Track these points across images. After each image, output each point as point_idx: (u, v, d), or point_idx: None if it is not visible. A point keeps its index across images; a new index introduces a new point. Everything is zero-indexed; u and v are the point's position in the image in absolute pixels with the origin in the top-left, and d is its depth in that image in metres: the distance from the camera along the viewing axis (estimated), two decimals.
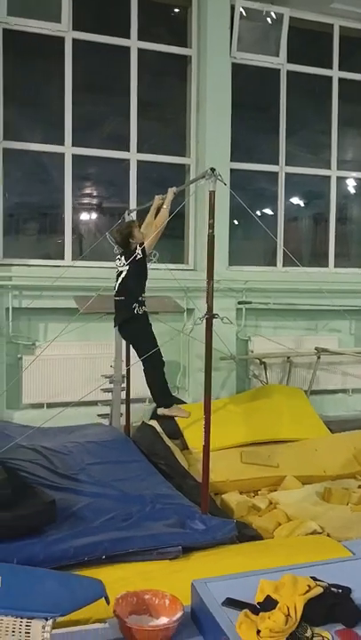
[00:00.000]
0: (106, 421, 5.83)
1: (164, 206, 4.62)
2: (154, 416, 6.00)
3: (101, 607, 2.38)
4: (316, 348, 6.83)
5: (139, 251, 4.61)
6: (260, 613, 2.04)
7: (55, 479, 4.02)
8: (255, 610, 2.09)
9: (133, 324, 4.84)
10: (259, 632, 1.95)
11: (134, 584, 2.62)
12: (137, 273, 4.74)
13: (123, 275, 4.83)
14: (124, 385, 5.65)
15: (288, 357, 6.80)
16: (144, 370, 4.97)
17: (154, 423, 5.55)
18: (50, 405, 6.07)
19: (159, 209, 4.81)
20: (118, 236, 4.85)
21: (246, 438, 5.54)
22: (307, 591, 2.09)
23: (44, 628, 1.81)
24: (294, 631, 1.96)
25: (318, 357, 6.82)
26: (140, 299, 4.76)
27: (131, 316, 4.78)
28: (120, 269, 4.87)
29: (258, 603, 2.11)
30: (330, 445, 5.70)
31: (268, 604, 2.06)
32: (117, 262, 4.92)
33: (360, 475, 5.38)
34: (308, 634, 1.97)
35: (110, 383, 5.58)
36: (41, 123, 6.48)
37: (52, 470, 4.21)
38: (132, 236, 4.75)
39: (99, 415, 5.87)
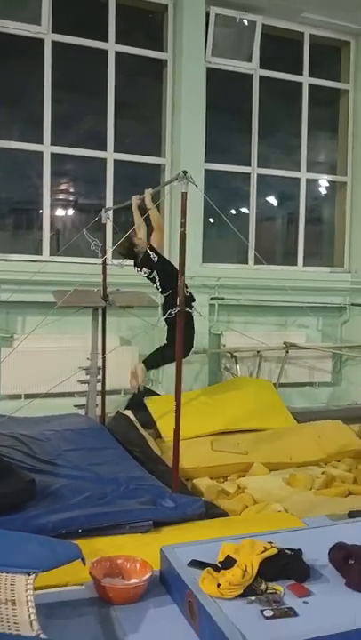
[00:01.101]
0: (82, 412, 6.02)
1: (149, 207, 4.86)
2: (129, 406, 6.24)
3: (76, 573, 2.61)
4: (284, 343, 7.12)
5: (152, 254, 4.93)
6: (221, 571, 2.29)
7: (34, 463, 4.23)
8: (217, 569, 2.34)
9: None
10: (219, 586, 2.20)
11: (108, 554, 2.85)
12: (165, 272, 5.00)
13: (157, 279, 5.10)
14: (100, 377, 5.85)
15: (258, 351, 7.07)
16: (163, 345, 5.28)
17: (128, 413, 5.77)
18: (27, 396, 6.22)
19: (139, 208, 5.06)
20: (123, 251, 5.17)
21: (217, 427, 5.76)
22: (263, 551, 2.35)
23: (27, 582, 2.03)
24: (250, 584, 2.22)
25: (287, 352, 7.11)
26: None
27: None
28: (150, 276, 5.16)
29: (219, 562, 2.36)
30: (296, 435, 5.97)
31: (228, 563, 2.31)
32: (141, 273, 5.20)
33: (324, 462, 5.66)
34: (263, 587, 2.23)
35: (87, 375, 5.77)
36: (19, 121, 6.64)
37: (30, 455, 4.41)
38: (135, 245, 5.05)
39: (75, 406, 6.05)
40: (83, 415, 5.92)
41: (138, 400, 6.28)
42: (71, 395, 6.01)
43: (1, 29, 6.14)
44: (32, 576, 2.06)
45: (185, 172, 3.58)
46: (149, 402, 6.16)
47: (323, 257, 8.09)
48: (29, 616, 1.87)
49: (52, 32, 6.35)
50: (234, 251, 7.55)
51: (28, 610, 1.89)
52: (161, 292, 5.17)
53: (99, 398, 5.88)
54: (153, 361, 5.43)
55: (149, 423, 5.83)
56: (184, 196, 3.57)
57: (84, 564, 2.38)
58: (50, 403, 5.65)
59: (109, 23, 6.59)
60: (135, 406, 6.17)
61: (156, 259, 4.94)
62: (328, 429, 6.10)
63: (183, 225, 3.60)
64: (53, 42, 6.37)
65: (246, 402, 6.25)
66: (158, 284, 5.10)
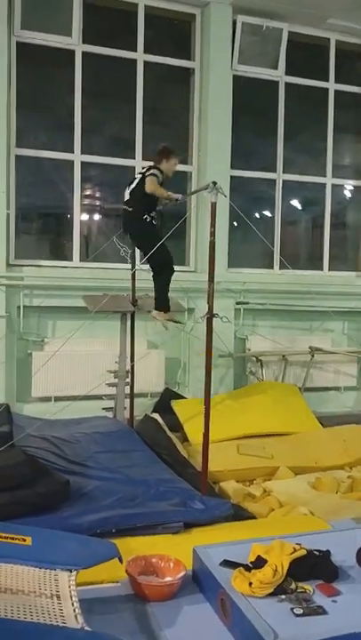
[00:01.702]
0: (110, 414, 6.15)
1: (167, 194, 4.90)
2: (156, 409, 6.36)
3: (112, 570, 2.73)
4: (310, 347, 7.17)
5: (156, 173, 4.87)
6: (252, 570, 2.39)
7: (66, 465, 4.36)
8: (248, 568, 2.43)
9: (141, 228, 5.03)
10: (250, 584, 2.30)
11: (142, 553, 2.96)
12: (149, 235, 4.98)
13: (132, 185, 5.04)
14: (128, 380, 5.97)
15: (283, 356, 7.13)
16: (153, 276, 5.23)
17: (156, 416, 5.88)
18: (57, 399, 6.40)
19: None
20: (157, 151, 5.16)
21: (243, 431, 5.84)
22: (292, 552, 2.44)
23: (69, 578, 2.15)
24: (281, 584, 2.31)
25: (312, 356, 7.16)
26: (152, 213, 4.92)
27: (140, 223, 4.96)
28: (132, 181, 5.10)
29: (250, 562, 2.46)
30: (322, 439, 6.03)
31: (259, 563, 2.41)
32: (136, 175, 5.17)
33: (349, 466, 5.70)
34: (293, 586, 2.32)
35: (115, 378, 5.89)
36: (50, 129, 6.81)
37: (62, 457, 4.54)
38: (159, 163, 5.01)
39: (103, 409, 6.18)
40: (111, 418, 6.05)
41: (165, 403, 6.40)
42: (99, 397, 6.14)
43: (33, 41, 6.30)
44: (74, 573, 2.18)
45: (215, 183, 3.68)
46: (176, 405, 6.27)
47: (348, 261, 8.11)
48: (74, 610, 1.98)
49: (83, 43, 6.49)
50: (258, 255, 7.61)
51: (73, 604, 2.01)
52: (125, 204, 5.15)
53: (126, 401, 6.00)
54: (161, 297, 5.30)
55: (176, 426, 5.93)
56: (214, 206, 3.67)
57: (121, 562, 2.49)
58: (78, 404, 5.77)
59: (138, 33, 6.73)
60: (162, 409, 6.28)
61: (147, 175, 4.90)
62: (354, 433, 6.14)
63: (213, 234, 3.70)
64: (83, 52, 6.52)
65: (272, 406, 6.32)
66: (129, 191, 5.07)
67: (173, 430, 5.82)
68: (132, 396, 5.98)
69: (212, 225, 3.71)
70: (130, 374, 5.91)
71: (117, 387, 5.90)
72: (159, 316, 5.34)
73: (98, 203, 7.33)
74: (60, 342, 5.97)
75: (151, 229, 4.98)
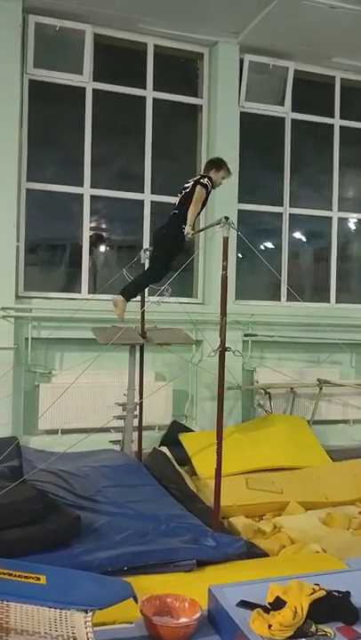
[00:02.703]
0: (117, 447, 6.10)
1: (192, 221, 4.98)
2: (163, 442, 6.31)
3: (125, 611, 2.66)
4: (318, 380, 7.13)
5: (206, 182, 5.04)
6: (271, 612, 2.33)
7: (75, 499, 4.31)
8: (266, 609, 2.37)
9: (171, 237, 5.12)
10: (270, 627, 2.24)
11: (155, 592, 2.90)
12: (171, 242, 5.12)
13: (184, 191, 5.19)
14: (136, 412, 5.94)
15: (292, 388, 7.10)
16: (145, 270, 5.32)
17: (165, 449, 5.83)
18: (64, 431, 6.36)
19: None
20: (209, 161, 5.43)
21: (252, 465, 5.77)
22: (312, 593, 2.38)
23: (85, 619, 2.10)
24: (301, 626, 2.25)
25: (320, 389, 7.12)
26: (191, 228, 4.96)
27: (174, 231, 5.04)
28: (185, 186, 5.24)
29: (268, 603, 2.40)
30: (332, 473, 5.96)
31: (278, 604, 2.35)
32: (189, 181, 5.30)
33: (360, 502, 5.64)
34: (313, 629, 2.25)
35: (123, 411, 5.86)
36: (61, 164, 6.91)
37: (70, 491, 4.49)
38: (209, 172, 5.20)
39: (111, 441, 6.14)
40: (118, 451, 6.00)
41: (172, 436, 6.36)
42: (107, 430, 6.09)
43: (45, 79, 6.45)
44: (90, 613, 2.13)
45: (227, 218, 3.72)
46: (184, 438, 6.22)
47: (354, 293, 8.13)
48: None
49: (93, 80, 6.64)
50: (264, 286, 7.65)
51: None
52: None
53: (134, 434, 5.95)
54: (131, 289, 5.34)
55: (184, 460, 5.88)
56: (225, 240, 3.70)
57: (136, 602, 2.43)
58: (83, 437, 5.73)
59: (147, 71, 6.88)
60: (170, 442, 6.23)
61: (202, 183, 5.05)
62: None
63: (225, 268, 3.73)
64: (94, 89, 6.66)
65: (281, 439, 6.26)
66: (181, 195, 5.20)
67: (181, 464, 5.77)
68: (140, 429, 5.95)
69: (225, 259, 3.74)
70: (138, 407, 5.87)
71: (125, 419, 5.87)
72: (122, 303, 5.25)
73: (105, 234, 7.39)
74: (68, 374, 5.99)
75: (180, 239, 5.05)
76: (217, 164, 5.28)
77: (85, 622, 2.07)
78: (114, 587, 2.38)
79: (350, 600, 2.44)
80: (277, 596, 2.39)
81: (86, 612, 2.14)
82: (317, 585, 2.50)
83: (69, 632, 1.99)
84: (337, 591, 2.49)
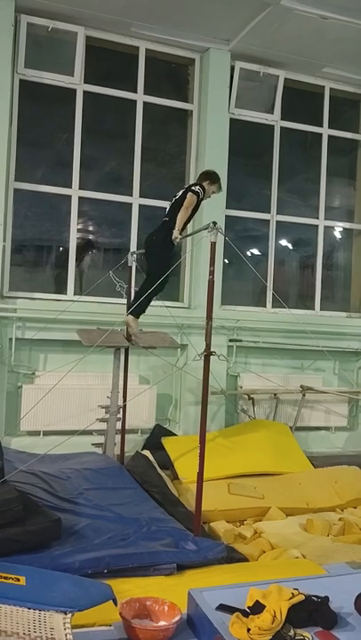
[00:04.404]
0: (99, 450, 6.08)
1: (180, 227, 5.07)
2: (146, 446, 6.30)
3: (104, 614, 2.66)
4: (301, 386, 7.17)
5: (198, 190, 5.10)
6: (250, 616, 2.33)
7: (56, 501, 4.28)
8: (245, 613, 2.38)
9: (161, 242, 5.18)
10: (249, 630, 2.24)
11: (135, 595, 2.89)
12: (160, 254, 5.20)
13: (176, 197, 5.26)
14: (120, 415, 5.92)
15: (275, 394, 7.13)
16: (143, 282, 5.34)
17: (147, 453, 5.82)
18: (46, 433, 6.32)
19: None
20: (203, 173, 5.46)
21: (234, 470, 5.79)
22: (291, 598, 2.39)
23: (64, 620, 2.09)
24: (279, 631, 2.26)
25: (303, 395, 7.16)
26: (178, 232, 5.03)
27: (164, 237, 5.11)
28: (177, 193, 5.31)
29: (248, 607, 2.40)
30: (313, 479, 5.99)
31: (257, 608, 2.35)
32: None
33: (340, 508, 5.66)
34: (292, 633, 2.26)
35: (106, 413, 5.85)
36: (50, 164, 6.89)
37: (52, 493, 4.46)
38: (203, 182, 5.25)
39: (93, 444, 6.12)
40: (101, 454, 5.98)
41: (155, 440, 6.35)
42: (89, 433, 6.07)
43: (36, 79, 6.43)
44: (69, 615, 2.12)
45: (215, 223, 3.73)
46: (166, 442, 6.22)
47: (338, 302, 8.19)
48: None
49: (84, 82, 6.64)
50: (249, 292, 7.69)
51: None
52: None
53: (116, 437, 5.94)
54: (138, 307, 5.36)
55: (166, 463, 5.87)
56: (213, 245, 3.72)
57: (116, 604, 2.43)
58: (65, 439, 5.71)
59: (138, 75, 6.90)
60: (152, 446, 6.23)
61: (193, 192, 5.11)
62: (345, 475, 6.11)
63: (212, 273, 3.74)
64: (85, 91, 6.66)
65: (263, 445, 6.28)
66: (171, 202, 5.28)
67: (163, 468, 5.76)
68: (123, 432, 5.93)
69: (212, 264, 3.75)
70: (122, 410, 5.86)
71: (109, 422, 5.85)
72: (133, 322, 5.38)
73: (91, 237, 7.38)
74: (51, 376, 5.97)
75: (169, 244, 5.10)
76: (212, 176, 5.35)
77: (64, 623, 2.07)
78: (94, 589, 2.37)
79: (329, 605, 2.45)
80: (257, 600, 2.39)
81: (65, 614, 2.14)
82: (296, 590, 2.51)
83: (48, 633, 1.99)
84: (316, 596, 2.50)
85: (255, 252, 7.78)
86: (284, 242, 7.97)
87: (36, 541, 3.31)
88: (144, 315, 5.72)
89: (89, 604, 2.23)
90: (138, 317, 5.41)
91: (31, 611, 2.10)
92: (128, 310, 5.52)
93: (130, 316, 5.38)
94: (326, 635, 2.30)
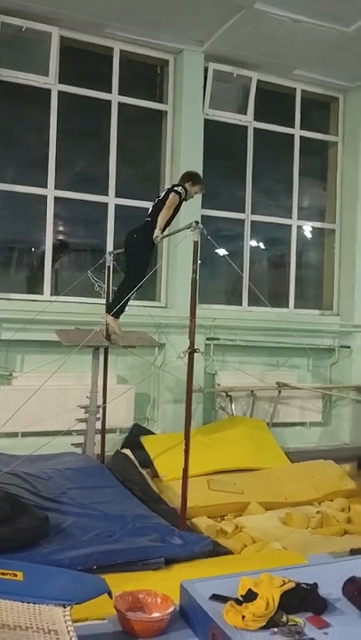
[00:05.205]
0: (79, 450, 6.08)
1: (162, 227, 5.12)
2: (125, 444, 6.33)
3: (98, 608, 2.69)
4: (277, 383, 7.29)
5: (180, 191, 5.17)
6: (243, 604, 2.40)
7: (39, 501, 4.29)
8: (238, 602, 2.44)
9: (141, 241, 5.22)
10: (243, 618, 2.31)
11: (125, 589, 2.93)
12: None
13: (158, 199, 5.30)
14: (99, 415, 5.93)
15: (252, 391, 7.23)
16: (122, 281, 5.40)
17: (127, 452, 5.86)
18: (24, 434, 6.29)
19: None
20: (186, 173, 5.50)
21: (214, 467, 5.88)
22: (282, 585, 2.46)
23: (64, 613, 2.12)
24: (273, 617, 2.32)
25: (279, 392, 7.29)
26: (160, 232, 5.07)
27: (145, 236, 5.14)
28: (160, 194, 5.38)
29: (240, 596, 2.46)
30: (291, 474, 6.12)
31: (250, 596, 2.41)
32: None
33: (318, 502, 5.80)
34: (284, 619, 2.33)
35: (85, 413, 5.86)
36: (24, 163, 6.85)
37: (35, 493, 4.46)
38: (185, 183, 5.31)
39: (73, 444, 6.11)
40: (80, 454, 5.98)
41: (134, 438, 6.39)
42: (69, 433, 6.06)
43: (10, 79, 6.40)
44: (68, 608, 2.15)
45: (197, 223, 3.79)
46: (146, 441, 6.27)
47: (311, 300, 8.33)
48: None
49: (59, 82, 6.63)
50: (222, 292, 7.78)
51: (71, 639, 1.99)
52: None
53: (96, 437, 5.95)
54: (117, 306, 5.40)
55: (146, 462, 5.92)
56: (196, 245, 3.78)
57: (111, 597, 2.46)
58: (46, 439, 5.70)
59: (113, 75, 6.92)
60: (131, 445, 6.26)
61: (174, 192, 5.18)
62: (321, 469, 6.26)
63: (195, 272, 3.80)
64: (60, 91, 6.65)
65: (241, 441, 6.39)
66: (154, 203, 5.34)
67: (143, 466, 5.82)
68: (103, 431, 5.95)
69: (195, 262, 3.81)
70: (102, 410, 5.88)
71: (88, 422, 5.86)
72: (114, 322, 5.42)
73: (66, 237, 7.36)
74: (29, 377, 5.96)
75: (150, 243, 5.16)
76: (194, 177, 5.42)
77: (65, 616, 2.09)
78: (89, 582, 2.41)
79: (318, 592, 2.53)
80: (249, 589, 2.45)
81: (64, 607, 2.16)
82: (287, 578, 2.59)
83: (50, 625, 2.02)
84: (305, 583, 2.58)
85: (229, 251, 7.85)
86: (258, 241, 8.08)
87: (25, 540, 3.32)
88: (123, 315, 5.75)
89: (86, 597, 2.26)
90: (118, 317, 5.43)
91: (32, 605, 2.12)
92: (106, 309, 5.53)
93: (110, 316, 5.39)
94: (317, 619, 2.38)
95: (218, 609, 2.44)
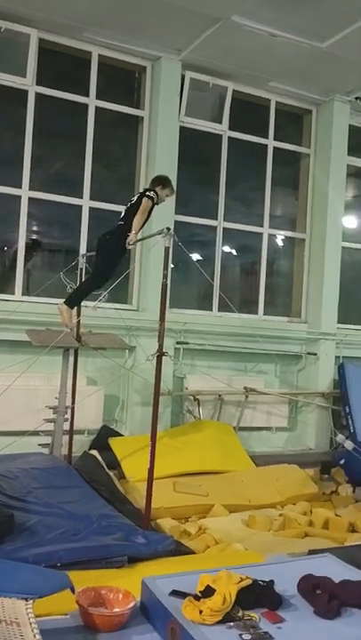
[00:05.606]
0: (46, 450, 6.09)
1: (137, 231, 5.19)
2: (92, 446, 6.37)
3: (59, 604, 2.75)
4: (244, 388, 7.41)
5: (152, 195, 5.26)
6: (201, 599, 2.48)
7: (5, 499, 4.31)
8: (197, 597, 2.52)
9: (113, 244, 5.28)
10: (201, 612, 2.39)
11: (89, 585, 2.99)
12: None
13: (131, 202, 5.39)
14: (67, 416, 5.96)
15: (219, 395, 7.34)
16: (87, 276, 5.53)
17: (95, 453, 5.90)
18: None
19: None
20: (155, 178, 5.59)
21: (180, 469, 5.95)
22: (239, 582, 2.56)
23: (26, 606, 2.18)
24: (229, 612, 2.42)
25: (246, 396, 7.41)
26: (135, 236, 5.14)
27: (117, 239, 5.20)
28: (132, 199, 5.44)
29: (199, 592, 2.55)
30: (255, 478, 6.23)
31: (208, 592, 2.50)
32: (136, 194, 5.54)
33: (281, 505, 5.91)
34: (240, 614, 2.42)
35: (54, 414, 5.88)
36: None
37: (0, 492, 4.48)
38: (156, 187, 5.38)
39: (40, 445, 6.12)
40: (47, 454, 6.00)
41: (102, 440, 6.43)
42: (36, 433, 6.08)
43: None
44: (30, 601, 2.21)
45: (168, 229, 3.88)
46: (113, 442, 6.32)
47: (280, 307, 8.49)
48: (34, 635, 2.02)
49: (36, 84, 6.66)
50: (193, 296, 7.88)
51: (32, 630, 2.04)
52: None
53: (64, 437, 5.97)
54: (74, 297, 5.50)
55: (113, 463, 5.97)
56: (167, 250, 3.87)
57: (73, 592, 2.52)
58: (11, 439, 5.72)
59: (91, 79, 6.98)
60: (99, 446, 6.30)
61: (146, 197, 5.25)
62: (285, 473, 6.38)
63: (165, 277, 3.89)
64: (37, 93, 6.68)
65: (207, 444, 6.47)
66: (126, 207, 5.43)
67: (110, 467, 5.86)
68: (71, 432, 5.98)
69: (165, 267, 3.90)
70: (70, 411, 5.91)
71: (56, 423, 5.88)
72: (66, 312, 5.43)
73: (38, 237, 7.37)
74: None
75: (122, 246, 5.20)
76: (163, 181, 5.50)
77: (27, 609, 2.15)
78: (52, 577, 2.47)
79: (274, 588, 2.64)
80: (207, 585, 2.54)
81: (27, 600, 2.22)
82: (244, 575, 2.68)
83: (12, 617, 2.07)
84: (262, 580, 2.68)
85: (201, 257, 7.97)
86: (229, 248, 8.21)
87: None
88: (94, 317, 5.81)
89: (48, 591, 2.32)
90: (71, 307, 5.46)
91: None
92: (65, 300, 5.55)
93: (64, 305, 5.42)
94: (272, 615, 2.48)
95: (177, 604, 2.53)
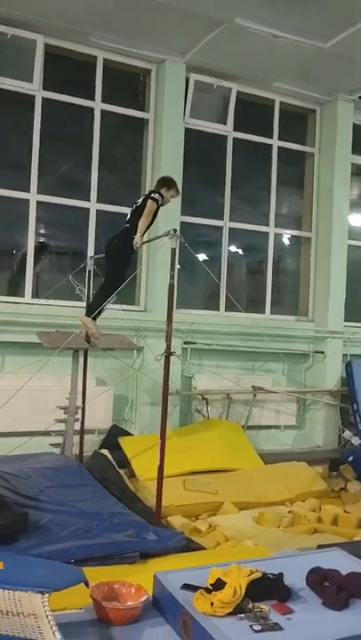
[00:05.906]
0: (57, 450, 6.17)
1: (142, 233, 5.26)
2: (103, 445, 6.44)
3: (74, 599, 2.82)
4: (252, 387, 7.47)
5: (157, 197, 5.30)
6: (212, 592, 2.55)
7: (18, 499, 4.38)
8: (208, 590, 2.59)
9: (121, 247, 5.34)
10: (212, 604, 2.46)
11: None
12: (120, 253, 5.36)
13: (136, 204, 5.44)
14: (78, 416, 6.04)
15: (228, 394, 7.39)
16: (101, 285, 5.55)
17: (105, 452, 5.97)
18: (1, 435, 6.36)
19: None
20: (160, 179, 5.62)
21: (189, 467, 6.01)
22: (249, 575, 2.62)
23: (42, 599, 2.25)
24: (240, 604, 2.48)
25: (254, 395, 7.46)
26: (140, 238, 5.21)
27: (124, 242, 5.26)
28: (137, 201, 5.49)
29: (210, 585, 2.62)
30: (264, 475, 6.28)
31: (219, 585, 2.57)
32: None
33: (290, 502, 5.97)
34: (250, 606, 2.49)
35: (65, 414, 5.96)
36: (7, 167, 6.94)
37: (13, 491, 4.55)
38: (160, 189, 5.44)
39: (51, 444, 6.20)
40: (59, 454, 6.08)
41: (112, 439, 6.50)
42: (47, 433, 6.16)
43: None
44: (46, 595, 2.27)
45: (175, 230, 3.95)
46: (123, 442, 6.39)
47: (287, 306, 8.53)
48: (51, 627, 2.09)
49: (43, 89, 6.75)
50: (200, 297, 7.94)
51: (49, 622, 2.11)
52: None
53: (75, 437, 6.05)
54: (94, 308, 5.54)
55: (123, 462, 6.04)
56: (174, 251, 3.93)
57: (87, 586, 2.59)
58: (24, 440, 5.80)
59: (96, 83, 7.06)
60: (109, 445, 6.37)
61: (151, 200, 5.31)
62: (294, 471, 6.43)
63: (172, 277, 3.95)
64: (43, 98, 6.77)
65: (216, 443, 6.54)
66: (132, 209, 5.48)
67: (120, 466, 5.92)
68: (82, 431, 6.06)
69: (172, 268, 3.96)
70: (81, 411, 5.98)
71: (67, 422, 5.96)
72: (91, 324, 5.51)
73: (47, 240, 7.45)
74: (8, 378, 6.05)
75: (130, 249, 5.27)
76: (168, 182, 5.56)
77: (43, 602, 2.22)
78: (67, 572, 2.54)
79: (283, 581, 2.70)
80: (218, 578, 2.61)
81: (42, 594, 2.29)
82: (254, 568, 2.75)
83: (29, 610, 2.14)
84: (272, 573, 2.74)
85: (208, 257, 8.03)
86: (235, 248, 8.26)
87: (4, 535, 3.43)
88: (102, 318, 5.87)
89: (63, 585, 2.38)
90: (95, 319, 5.54)
91: (11, 592, 2.24)
92: (86, 312, 5.65)
93: (87, 318, 5.51)
94: (281, 606, 2.54)
95: (188, 597, 2.59)
